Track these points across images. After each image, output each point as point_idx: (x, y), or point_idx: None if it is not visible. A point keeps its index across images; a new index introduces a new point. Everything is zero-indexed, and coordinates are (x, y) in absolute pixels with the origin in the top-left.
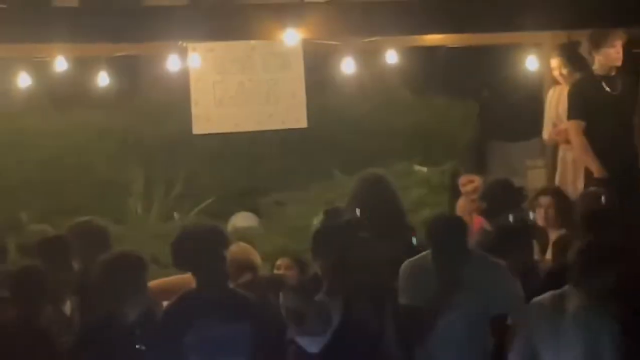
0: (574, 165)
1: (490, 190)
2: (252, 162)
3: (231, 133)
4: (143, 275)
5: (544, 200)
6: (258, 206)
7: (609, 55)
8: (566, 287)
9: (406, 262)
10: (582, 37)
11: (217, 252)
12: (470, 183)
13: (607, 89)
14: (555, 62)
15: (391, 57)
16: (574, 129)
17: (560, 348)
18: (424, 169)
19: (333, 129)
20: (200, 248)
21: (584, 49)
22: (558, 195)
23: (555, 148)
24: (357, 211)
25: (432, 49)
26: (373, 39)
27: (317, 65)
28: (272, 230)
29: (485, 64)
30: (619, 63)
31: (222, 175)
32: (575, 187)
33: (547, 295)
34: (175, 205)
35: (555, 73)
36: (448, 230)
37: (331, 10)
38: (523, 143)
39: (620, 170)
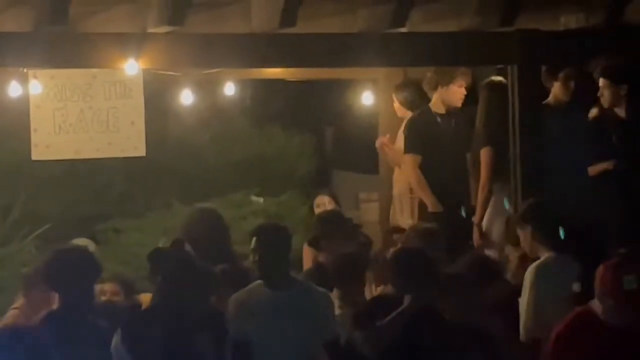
0: (406, 200)
1: (319, 221)
2: (91, 189)
3: (72, 160)
4: None
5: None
6: (96, 233)
7: (455, 95)
8: None
9: (234, 295)
10: (418, 73)
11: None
12: (326, 205)
13: (443, 126)
14: (396, 98)
15: (230, 89)
16: (409, 163)
17: None
18: (261, 200)
19: (172, 159)
20: (67, 270)
21: (426, 85)
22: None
23: (390, 183)
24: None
25: (271, 82)
26: (213, 70)
27: (157, 95)
28: (109, 257)
29: (323, 98)
30: (459, 104)
31: (61, 202)
32: (408, 221)
33: None
34: (13, 230)
35: (396, 108)
36: (275, 235)
37: (172, 41)
38: (360, 176)
39: (454, 204)
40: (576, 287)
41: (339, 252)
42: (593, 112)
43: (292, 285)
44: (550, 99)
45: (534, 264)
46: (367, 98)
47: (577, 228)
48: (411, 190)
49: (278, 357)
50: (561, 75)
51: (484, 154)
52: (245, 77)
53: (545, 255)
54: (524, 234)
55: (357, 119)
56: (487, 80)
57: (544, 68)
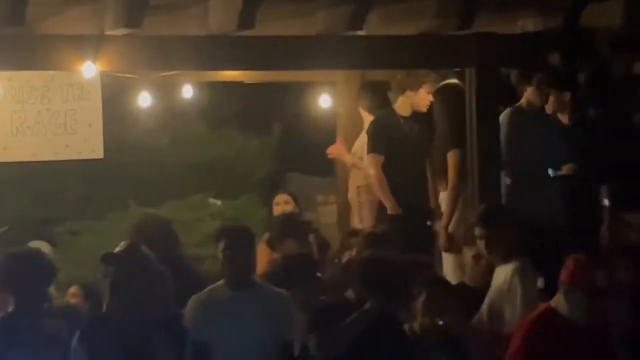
0: (363, 202)
1: (276, 223)
2: (49, 192)
3: (29, 162)
4: None
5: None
6: (53, 235)
7: (419, 99)
8: None
9: (193, 297)
10: (377, 76)
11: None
12: (285, 204)
13: (406, 128)
14: (360, 101)
15: (188, 91)
16: (372, 163)
17: None
18: (218, 202)
19: (130, 161)
20: (20, 273)
21: (394, 88)
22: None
23: (346, 185)
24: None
25: (229, 84)
26: (170, 73)
27: (115, 97)
28: (66, 260)
29: (281, 101)
30: (424, 109)
31: (18, 204)
32: (366, 223)
33: None
34: None
35: (360, 110)
36: (238, 237)
37: (129, 43)
38: (319, 179)
39: (413, 207)
40: (540, 283)
41: (287, 254)
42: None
43: (252, 286)
44: (523, 102)
45: (514, 269)
46: (325, 100)
47: (537, 230)
48: (359, 193)
49: (237, 357)
50: (535, 80)
51: (452, 156)
52: (203, 80)
53: (508, 260)
54: (480, 236)
55: (315, 121)
56: (443, 83)
57: (517, 71)
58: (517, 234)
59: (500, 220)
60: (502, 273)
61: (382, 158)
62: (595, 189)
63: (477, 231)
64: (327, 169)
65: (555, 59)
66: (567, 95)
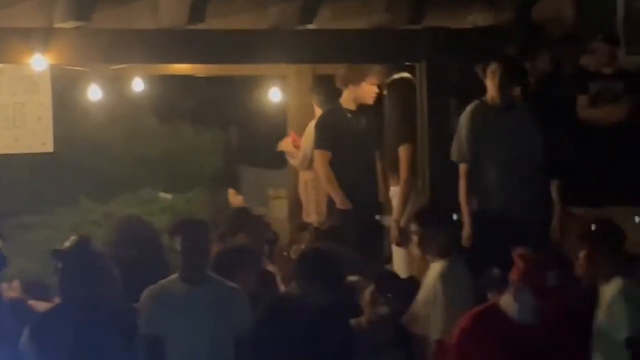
0: (313, 196)
1: (227, 217)
2: None
3: None
4: None
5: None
6: (3, 229)
7: (364, 92)
8: None
9: (146, 290)
10: (328, 70)
11: None
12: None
13: (353, 122)
14: (312, 94)
15: (138, 84)
16: (319, 159)
17: None
18: (169, 196)
19: (80, 155)
20: None
21: (338, 82)
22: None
23: (296, 179)
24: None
25: (180, 78)
26: (121, 66)
27: (65, 91)
28: (17, 253)
29: (232, 94)
30: (371, 102)
31: None
32: (317, 217)
33: None
34: None
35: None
36: (193, 230)
37: (79, 36)
38: (271, 172)
39: (363, 201)
40: (496, 272)
41: (225, 246)
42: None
43: (206, 280)
44: (487, 96)
45: (441, 271)
46: (276, 94)
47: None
48: (308, 188)
49: (190, 352)
50: (489, 72)
51: (404, 150)
52: (154, 73)
53: (442, 258)
54: (414, 233)
55: (266, 115)
56: (394, 77)
57: (480, 65)
58: (451, 233)
59: (434, 218)
60: (432, 272)
61: (329, 154)
62: (547, 183)
63: (412, 227)
64: (279, 162)
65: (506, 53)
66: (517, 90)
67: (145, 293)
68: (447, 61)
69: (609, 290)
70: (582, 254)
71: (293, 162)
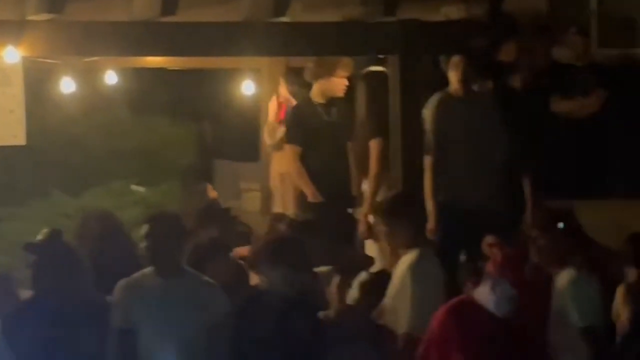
0: (286, 189)
1: (196, 212)
2: None
3: None
4: None
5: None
6: None
7: (333, 85)
8: None
9: (120, 282)
10: (302, 63)
11: None
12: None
13: (324, 116)
14: (281, 88)
15: (111, 77)
16: (290, 153)
17: None
18: (142, 189)
19: (53, 147)
20: None
21: (307, 76)
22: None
23: (269, 172)
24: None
25: (153, 71)
26: (94, 58)
27: (38, 83)
28: None
29: (206, 87)
30: (341, 94)
31: None
32: (288, 210)
33: None
34: None
35: (282, 98)
36: (167, 224)
37: (52, 28)
38: (244, 165)
39: (335, 194)
40: (462, 258)
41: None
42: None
43: (182, 274)
44: (450, 87)
45: (409, 264)
46: (249, 87)
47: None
48: (281, 180)
49: (163, 345)
50: (452, 64)
51: (374, 145)
52: (127, 66)
53: (410, 250)
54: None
55: (240, 108)
56: (367, 70)
57: (443, 57)
58: (418, 225)
59: (399, 210)
60: (402, 264)
61: (299, 148)
62: (519, 175)
63: (376, 220)
64: (253, 155)
65: (478, 45)
66: (490, 82)
67: (119, 285)
68: (420, 54)
69: (562, 280)
70: (539, 244)
71: (268, 138)
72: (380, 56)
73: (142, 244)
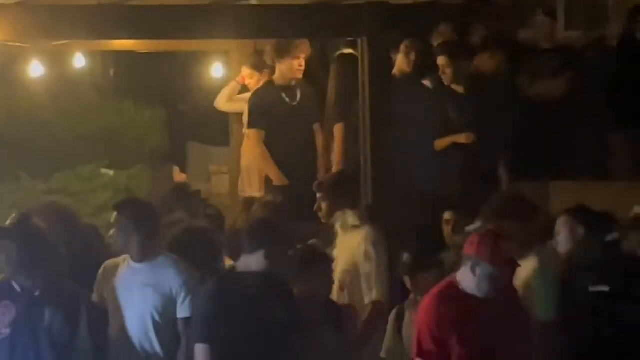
0: (251, 173)
1: (164, 195)
2: None
3: None
4: None
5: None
6: None
7: (292, 67)
8: None
9: (106, 262)
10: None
11: None
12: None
13: (287, 98)
14: (245, 71)
15: (79, 60)
16: (253, 138)
17: None
18: (111, 172)
19: (21, 131)
20: None
21: (267, 57)
22: None
23: (238, 154)
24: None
25: (121, 54)
26: (62, 42)
27: (5, 67)
28: None
29: (174, 70)
30: (300, 75)
31: None
32: (253, 192)
33: None
34: None
35: (247, 81)
36: (137, 209)
37: (20, 12)
38: (213, 148)
39: (301, 177)
40: (407, 257)
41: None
42: (427, 83)
43: (155, 259)
44: (395, 70)
45: (366, 237)
46: (219, 70)
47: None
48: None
49: (134, 330)
50: (402, 46)
51: (338, 129)
52: (96, 49)
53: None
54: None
55: (209, 90)
56: (339, 52)
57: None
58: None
59: (341, 188)
60: (351, 240)
61: (262, 132)
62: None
63: (318, 195)
64: (222, 139)
65: (448, 28)
66: (462, 65)
67: (101, 267)
68: (389, 37)
69: (525, 269)
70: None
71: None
72: (350, 39)
73: (111, 232)
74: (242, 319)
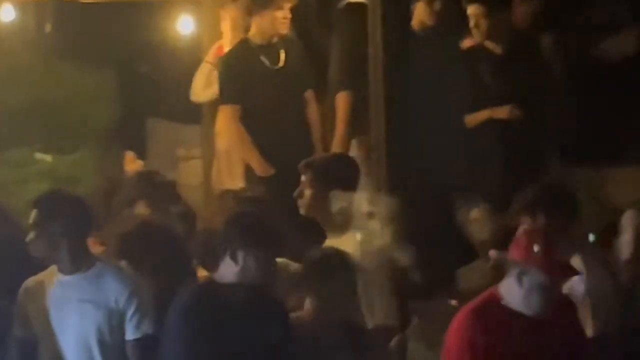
0: (230, 158)
1: (125, 183)
2: None
3: None
4: None
5: None
6: None
7: (274, 20)
8: None
9: (25, 283)
10: None
11: None
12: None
13: (267, 62)
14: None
15: (8, 12)
16: (226, 116)
17: None
18: (48, 158)
19: None
20: None
21: (242, 12)
22: None
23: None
24: None
25: (61, 4)
26: None
27: None
28: None
29: (130, 25)
30: (284, 30)
31: None
32: (233, 184)
33: None
34: None
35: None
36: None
37: None
38: (181, 127)
39: (291, 165)
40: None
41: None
42: (465, 43)
43: (90, 267)
44: (414, 22)
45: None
46: (187, 24)
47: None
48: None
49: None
50: None
51: (341, 100)
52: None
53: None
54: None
55: (174, 51)
56: (344, 2)
57: None
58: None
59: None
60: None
61: (237, 108)
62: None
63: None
64: (192, 114)
65: None
66: (500, 16)
67: (21, 290)
68: None
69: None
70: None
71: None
72: None
73: (30, 236)
74: (225, 342)
